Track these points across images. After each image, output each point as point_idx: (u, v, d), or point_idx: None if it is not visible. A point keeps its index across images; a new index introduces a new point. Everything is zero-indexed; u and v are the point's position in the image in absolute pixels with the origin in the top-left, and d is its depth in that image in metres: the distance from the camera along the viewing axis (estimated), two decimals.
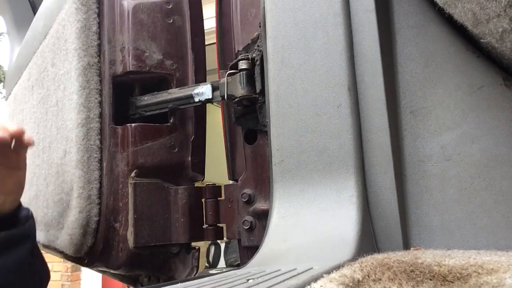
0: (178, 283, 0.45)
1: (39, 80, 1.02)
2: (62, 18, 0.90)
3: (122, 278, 0.92)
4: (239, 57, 0.72)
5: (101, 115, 0.81)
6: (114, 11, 0.84)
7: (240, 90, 0.68)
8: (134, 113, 0.82)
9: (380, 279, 0.38)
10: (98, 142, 0.80)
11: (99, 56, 0.83)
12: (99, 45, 0.84)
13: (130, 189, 0.75)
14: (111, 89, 0.81)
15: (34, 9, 1.45)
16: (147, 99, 0.80)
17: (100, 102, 0.81)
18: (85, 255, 0.81)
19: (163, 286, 0.46)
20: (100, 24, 0.84)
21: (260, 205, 0.70)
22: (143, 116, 0.81)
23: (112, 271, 0.83)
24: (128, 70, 0.81)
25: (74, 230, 0.78)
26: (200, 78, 0.83)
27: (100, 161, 0.80)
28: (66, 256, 0.87)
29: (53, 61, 0.95)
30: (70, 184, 0.81)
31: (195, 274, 0.77)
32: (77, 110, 0.80)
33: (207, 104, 0.81)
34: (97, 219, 0.79)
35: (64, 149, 0.85)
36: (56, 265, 3.81)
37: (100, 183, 0.79)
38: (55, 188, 0.88)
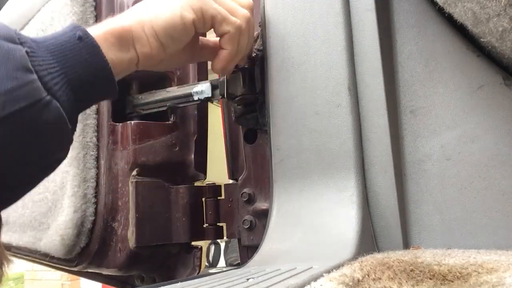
0: (178, 282, 0.45)
1: None
2: (50, 9, 0.86)
3: (105, 280, 0.90)
4: None
5: (98, 112, 0.79)
6: (113, 6, 0.82)
7: (240, 89, 0.68)
8: (131, 112, 0.81)
9: (380, 278, 0.38)
10: (95, 139, 0.78)
11: None
12: None
13: (131, 188, 0.75)
14: None
15: None
16: (145, 97, 0.79)
17: None
18: (76, 256, 0.79)
19: (163, 285, 0.46)
20: (97, 18, 0.82)
21: (260, 205, 0.70)
22: (140, 114, 0.80)
23: (105, 272, 0.81)
24: None
25: (67, 230, 0.76)
26: (202, 76, 0.82)
27: (97, 159, 0.78)
28: (52, 259, 0.83)
29: None
30: (59, 182, 0.79)
31: (197, 274, 0.77)
32: None
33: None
34: (93, 218, 0.77)
35: None
36: None
37: (97, 181, 0.78)
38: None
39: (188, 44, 0.59)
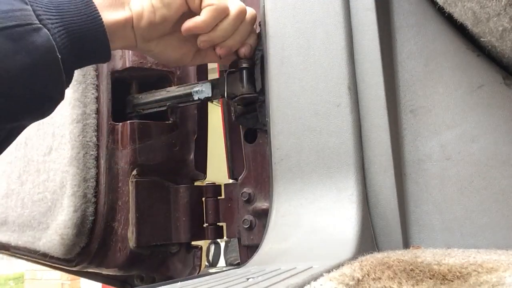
0: (178, 282, 0.45)
1: None
2: None
3: (104, 280, 0.90)
4: None
5: (98, 111, 0.79)
6: None
7: (240, 89, 0.68)
8: (131, 112, 0.81)
9: (380, 278, 0.38)
10: (94, 139, 0.78)
11: None
12: None
13: (131, 188, 0.75)
14: (109, 84, 0.79)
15: None
16: (145, 97, 0.79)
17: (97, 98, 0.79)
18: (75, 256, 0.79)
19: (163, 285, 0.46)
20: None
21: (260, 204, 0.70)
22: (140, 114, 0.80)
23: (105, 272, 0.81)
24: (128, 66, 0.79)
25: (66, 230, 0.76)
26: (202, 76, 0.82)
27: (97, 158, 0.78)
28: (51, 259, 0.83)
29: None
30: (59, 182, 0.79)
31: (198, 273, 0.77)
32: (72, 105, 0.77)
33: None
34: (93, 218, 0.77)
35: (50, 146, 0.82)
36: None
37: (97, 181, 0.78)
38: (34, 187, 0.85)
39: (188, 43, 0.63)
